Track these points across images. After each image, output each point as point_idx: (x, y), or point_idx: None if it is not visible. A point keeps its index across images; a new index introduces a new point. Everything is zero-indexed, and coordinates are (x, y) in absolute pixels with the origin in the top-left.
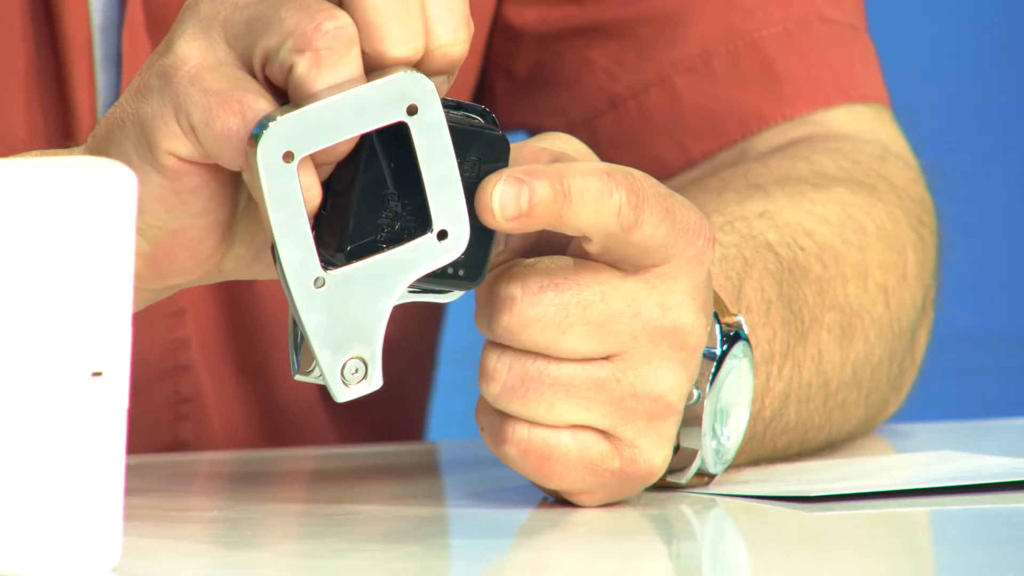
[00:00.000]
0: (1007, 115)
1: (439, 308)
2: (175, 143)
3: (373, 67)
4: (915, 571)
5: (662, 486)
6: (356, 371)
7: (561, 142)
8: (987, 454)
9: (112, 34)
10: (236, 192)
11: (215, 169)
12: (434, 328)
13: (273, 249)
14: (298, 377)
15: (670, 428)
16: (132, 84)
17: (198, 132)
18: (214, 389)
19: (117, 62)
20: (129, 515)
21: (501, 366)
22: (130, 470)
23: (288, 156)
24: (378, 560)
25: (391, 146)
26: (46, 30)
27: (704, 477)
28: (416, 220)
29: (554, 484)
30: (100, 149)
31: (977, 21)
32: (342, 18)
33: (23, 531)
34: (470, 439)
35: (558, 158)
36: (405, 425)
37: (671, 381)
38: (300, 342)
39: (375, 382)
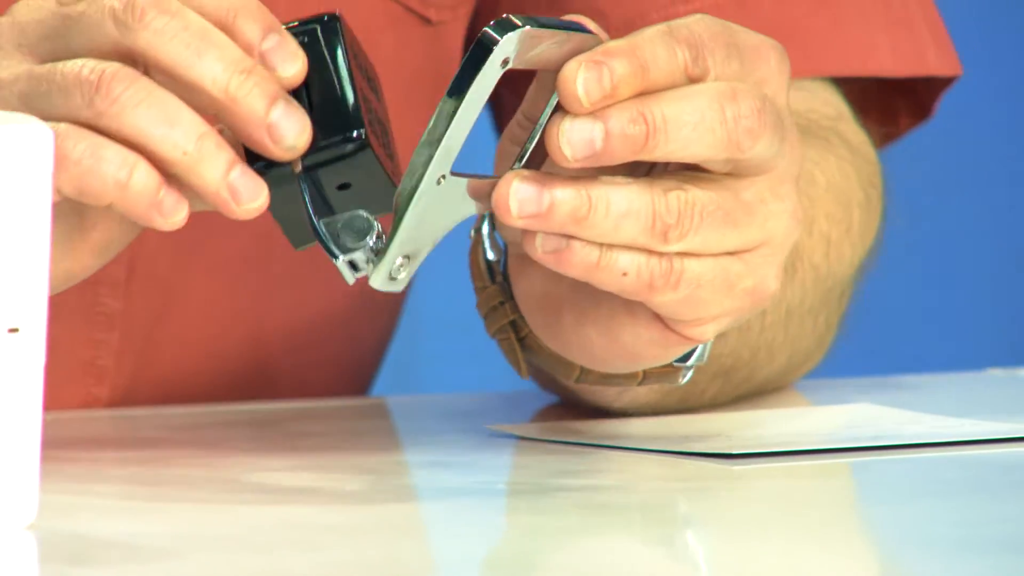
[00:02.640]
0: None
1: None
2: None
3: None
4: (840, 525)
5: (655, 374)
6: (400, 269)
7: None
8: (904, 408)
9: None
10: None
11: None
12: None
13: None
14: (341, 259)
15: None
16: None
17: None
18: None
19: None
20: (46, 472)
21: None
22: (48, 426)
23: (505, 62)
24: (306, 513)
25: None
26: None
27: (679, 371)
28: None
29: (700, 311)
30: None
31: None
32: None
33: None
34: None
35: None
36: (358, 376)
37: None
38: (342, 225)
39: (401, 285)
